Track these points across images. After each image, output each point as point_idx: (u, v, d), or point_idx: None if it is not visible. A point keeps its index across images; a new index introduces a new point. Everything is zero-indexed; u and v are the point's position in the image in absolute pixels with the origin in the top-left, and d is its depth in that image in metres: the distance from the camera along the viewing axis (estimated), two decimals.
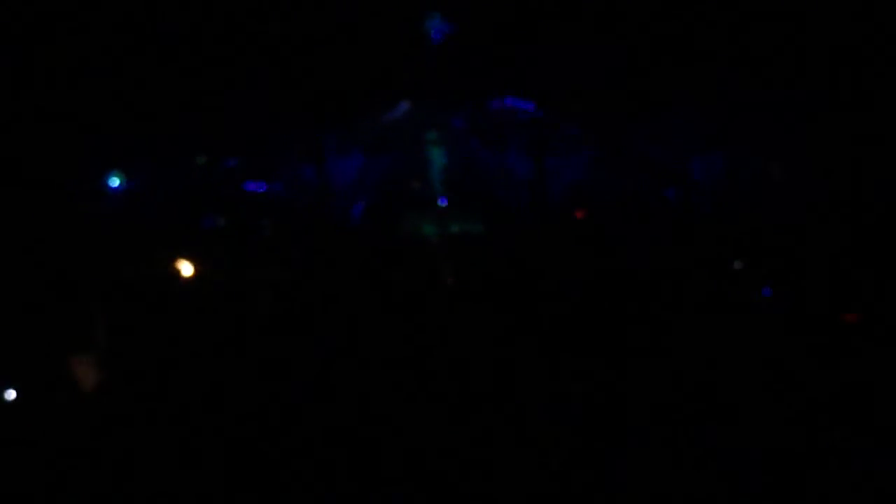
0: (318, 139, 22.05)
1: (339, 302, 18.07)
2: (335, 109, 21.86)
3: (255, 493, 12.16)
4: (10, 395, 14.47)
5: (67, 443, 13.26)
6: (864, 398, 13.49)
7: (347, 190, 21.74)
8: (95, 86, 20.77)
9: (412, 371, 15.38)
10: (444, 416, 13.94)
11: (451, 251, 20.14)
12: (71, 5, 20.00)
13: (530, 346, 16.28)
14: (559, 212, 20.92)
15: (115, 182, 20.98)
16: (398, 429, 13.43)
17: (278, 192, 21.61)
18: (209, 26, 21.66)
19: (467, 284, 19.11)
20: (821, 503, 11.10)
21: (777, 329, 16.80)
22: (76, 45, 20.78)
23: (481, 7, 21.98)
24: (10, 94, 19.99)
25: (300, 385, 15.01)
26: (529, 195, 21.58)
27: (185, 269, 18.42)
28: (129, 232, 19.51)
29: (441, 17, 22.03)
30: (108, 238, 19.14)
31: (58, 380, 15.36)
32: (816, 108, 19.92)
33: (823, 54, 19.61)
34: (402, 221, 21.10)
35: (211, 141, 21.96)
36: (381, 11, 22.19)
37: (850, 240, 18.07)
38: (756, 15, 20.24)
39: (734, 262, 18.55)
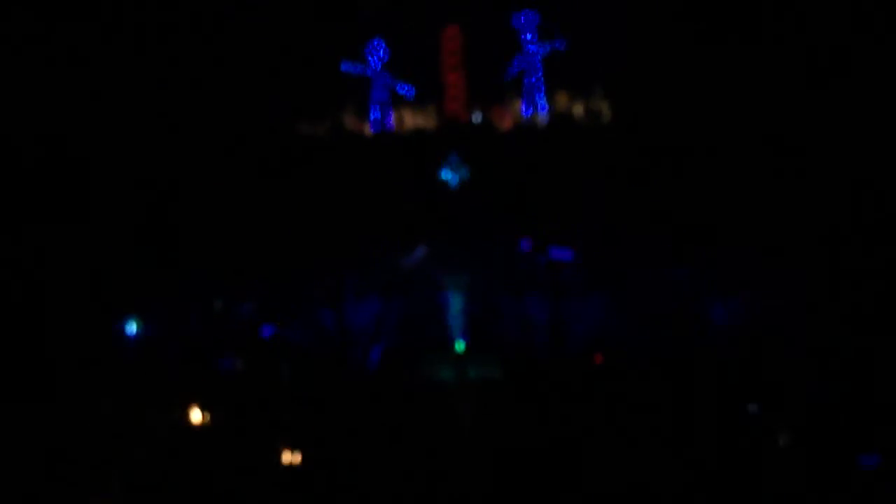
0: (337, 283, 22.06)
1: (357, 446, 17.94)
2: (353, 253, 21.94)
3: None
4: None
5: None
6: None
7: (365, 334, 21.69)
8: (114, 228, 20.97)
9: None
10: None
11: (469, 395, 19.97)
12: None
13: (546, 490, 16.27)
14: (577, 356, 20.79)
15: (132, 328, 21.00)
16: None
17: (295, 335, 21.54)
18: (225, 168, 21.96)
19: (485, 429, 18.96)
20: None
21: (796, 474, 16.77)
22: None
23: (500, 153, 22.23)
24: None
25: None
26: (548, 340, 21.51)
27: (197, 415, 18.34)
28: (147, 376, 19.44)
29: (459, 163, 22.20)
30: (125, 382, 19.10)
31: None
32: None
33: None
34: (419, 365, 20.97)
35: (228, 285, 22.02)
36: (399, 155, 22.48)
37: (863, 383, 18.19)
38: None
39: (749, 405, 18.43)
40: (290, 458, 17.71)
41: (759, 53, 22.41)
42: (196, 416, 18.44)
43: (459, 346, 21.30)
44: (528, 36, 24.06)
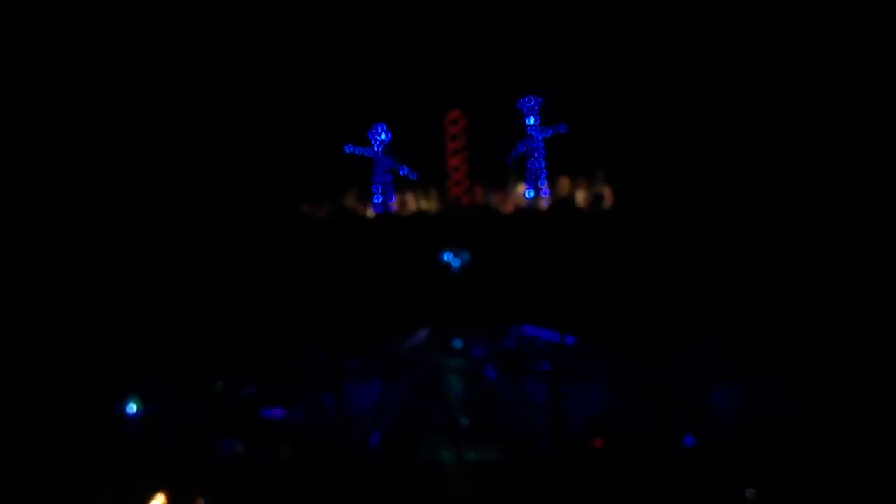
0: (337, 365, 22.12)
1: None
2: (354, 335, 22.01)
3: None
4: None
5: None
6: None
7: (365, 416, 21.69)
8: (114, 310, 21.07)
9: None
10: None
11: (470, 478, 19.88)
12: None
13: None
14: (577, 440, 20.74)
15: (132, 408, 21.02)
16: None
17: (296, 417, 21.54)
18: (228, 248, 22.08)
19: None
20: None
21: None
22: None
23: (502, 236, 22.37)
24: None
25: None
26: (547, 423, 21.50)
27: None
28: (146, 457, 19.40)
29: (461, 247, 22.33)
30: (126, 461, 19.05)
31: None
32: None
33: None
34: (419, 448, 20.92)
35: (229, 367, 22.08)
36: (400, 238, 22.62)
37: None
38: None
39: (747, 490, 18.36)
40: None
41: (762, 138, 22.67)
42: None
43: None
44: (532, 120, 24.35)
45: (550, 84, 24.31)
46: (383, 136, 24.44)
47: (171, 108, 23.17)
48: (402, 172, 24.70)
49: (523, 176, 24.76)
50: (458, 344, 21.49)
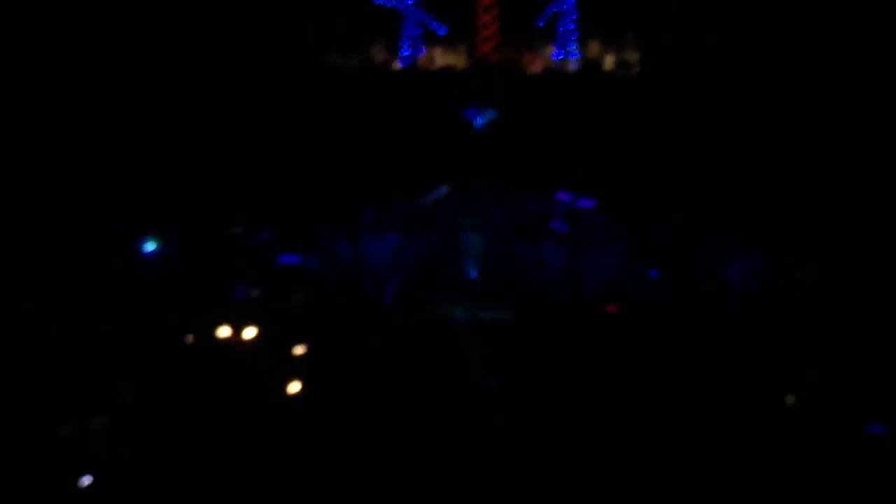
0: (356, 216, 22.17)
1: (366, 381, 18.02)
2: (374, 188, 22.01)
3: None
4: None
5: None
6: None
7: (380, 269, 21.80)
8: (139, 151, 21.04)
9: (435, 458, 15.51)
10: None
11: (482, 336, 20.04)
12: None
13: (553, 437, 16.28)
14: (591, 305, 20.83)
15: (151, 246, 21.14)
16: None
17: (312, 265, 21.62)
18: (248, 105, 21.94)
19: (494, 371, 19.02)
20: None
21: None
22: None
23: (528, 97, 22.14)
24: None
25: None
26: (562, 286, 21.57)
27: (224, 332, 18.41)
28: (163, 295, 19.54)
29: (487, 105, 22.13)
30: (141, 301, 19.20)
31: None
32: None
33: None
34: (433, 303, 21.05)
35: (249, 211, 22.12)
36: (427, 93, 22.40)
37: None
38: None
39: (787, 397, 18.07)
40: (294, 388, 17.76)
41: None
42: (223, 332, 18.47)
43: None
44: None
45: None
46: None
47: None
48: (431, 26, 24.35)
49: (553, 37, 24.42)
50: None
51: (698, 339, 18.82)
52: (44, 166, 20.63)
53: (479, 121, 22.96)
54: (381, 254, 22.07)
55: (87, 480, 14.57)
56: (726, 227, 21.52)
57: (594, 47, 24.02)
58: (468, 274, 21.51)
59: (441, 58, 24.27)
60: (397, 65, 24.36)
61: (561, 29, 24.24)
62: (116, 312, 18.28)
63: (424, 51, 24.26)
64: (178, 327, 18.35)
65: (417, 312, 20.82)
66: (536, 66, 24.05)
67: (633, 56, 23.58)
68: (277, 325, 19.11)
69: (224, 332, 18.07)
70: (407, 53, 24.31)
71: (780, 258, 20.83)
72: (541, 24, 24.38)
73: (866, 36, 21.29)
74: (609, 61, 23.86)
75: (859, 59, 21.38)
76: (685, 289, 20.96)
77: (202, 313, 18.78)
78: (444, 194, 22.50)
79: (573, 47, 24.05)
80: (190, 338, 17.98)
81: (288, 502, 14.44)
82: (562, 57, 24.02)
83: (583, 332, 19.36)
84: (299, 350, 18.26)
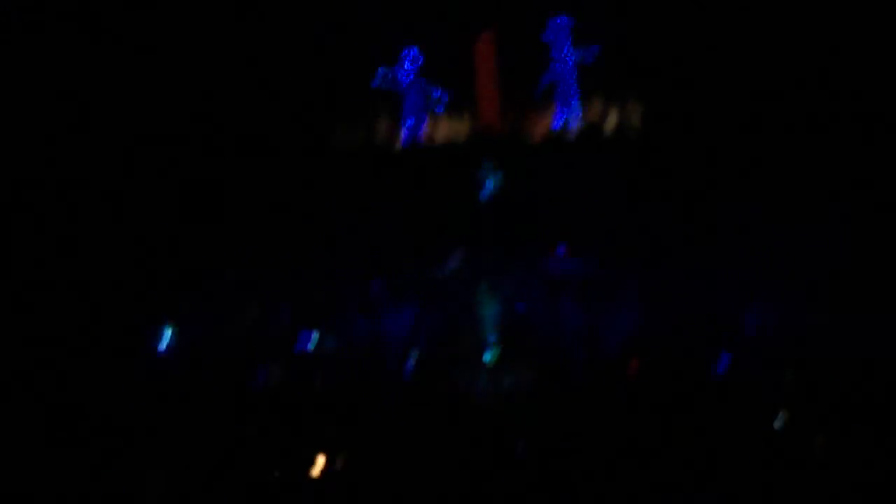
0: (371, 290, 22.16)
1: (393, 459, 17.89)
2: (388, 261, 22.03)
3: None
4: None
5: None
6: None
7: (398, 342, 21.72)
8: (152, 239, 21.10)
9: None
10: None
11: (504, 406, 19.90)
12: None
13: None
14: (612, 364, 20.69)
15: (167, 334, 21.13)
16: None
17: (329, 343, 21.57)
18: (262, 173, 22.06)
19: (520, 441, 18.84)
20: None
21: None
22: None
23: (532, 162, 22.25)
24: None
25: None
26: (582, 348, 21.46)
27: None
28: (185, 382, 19.49)
29: (492, 172, 22.24)
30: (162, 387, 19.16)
31: None
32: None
33: None
34: (452, 374, 20.93)
35: (265, 291, 22.13)
36: (432, 162, 22.52)
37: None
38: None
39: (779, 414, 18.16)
40: (320, 464, 17.66)
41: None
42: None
43: (489, 355, 21.31)
44: (562, 42, 24.07)
45: (584, 3, 24.05)
46: (413, 62, 24.28)
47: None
48: (433, 97, 24.54)
49: (554, 100, 24.58)
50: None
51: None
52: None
53: (486, 187, 23.05)
54: (397, 327, 22.00)
55: None
56: (739, 277, 21.44)
57: (596, 108, 24.13)
58: (485, 341, 21.40)
59: (443, 127, 24.41)
60: (401, 136, 24.52)
61: (562, 91, 24.38)
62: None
63: (427, 121, 24.39)
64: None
65: (437, 385, 20.68)
66: (540, 130, 24.16)
67: (636, 116, 23.69)
68: (300, 408, 19.06)
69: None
70: (410, 125, 24.46)
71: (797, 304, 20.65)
72: (543, 87, 24.54)
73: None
74: (612, 122, 23.97)
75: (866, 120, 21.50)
76: (703, 340, 20.81)
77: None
78: (457, 262, 22.50)
79: (575, 109, 24.18)
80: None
81: None
82: (564, 119, 24.15)
83: (603, 395, 19.28)
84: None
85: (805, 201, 21.57)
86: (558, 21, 23.85)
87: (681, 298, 21.61)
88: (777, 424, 17.63)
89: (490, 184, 23.04)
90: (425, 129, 24.10)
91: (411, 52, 24.13)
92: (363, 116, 24.05)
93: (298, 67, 23.46)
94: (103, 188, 21.88)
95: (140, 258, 21.53)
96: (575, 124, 23.68)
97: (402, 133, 24.19)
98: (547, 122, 24.23)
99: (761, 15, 22.46)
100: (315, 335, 21.12)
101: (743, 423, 18.01)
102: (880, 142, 21.25)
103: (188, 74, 22.76)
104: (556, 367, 21.03)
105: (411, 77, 24.11)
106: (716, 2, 22.83)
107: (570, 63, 24.14)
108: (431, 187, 22.95)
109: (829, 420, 17.62)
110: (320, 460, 17.59)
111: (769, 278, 21.37)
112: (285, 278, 22.03)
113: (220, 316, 21.60)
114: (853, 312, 19.94)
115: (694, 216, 21.75)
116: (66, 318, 20.17)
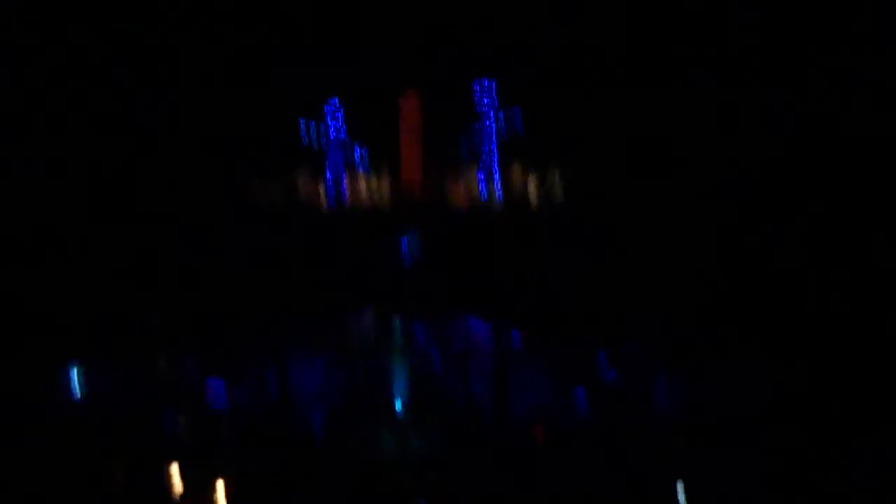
0: (282, 344, 22.11)
1: None
2: (300, 317, 22.00)
3: None
4: None
5: None
6: None
7: (307, 396, 21.68)
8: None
9: None
10: None
11: (411, 464, 19.97)
12: None
13: None
14: (519, 429, 20.90)
15: (74, 380, 20.81)
16: None
17: (239, 394, 21.44)
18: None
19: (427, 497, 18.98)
20: None
21: None
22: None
23: (450, 225, 22.43)
24: None
25: None
26: (490, 411, 21.64)
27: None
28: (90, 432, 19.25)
29: (414, 233, 22.38)
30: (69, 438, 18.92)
31: None
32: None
33: None
34: (362, 431, 20.95)
35: (172, 339, 21.95)
36: (351, 223, 22.60)
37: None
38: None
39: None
40: None
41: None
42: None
43: (398, 414, 21.39)
44: (486, 106, 24.28)
45: (507, 66, 24.26)
46: (336, 120, 24.31)
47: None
48: (354, 159, 24.60)
49: (477, 162, 24.75)
50: (401, 326, 21.64)
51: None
52: None
53: (404, 246, 23.17)
54: (308, 381, 21.96)
55: None
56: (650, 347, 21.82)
57: (517, 174, 24.38)
58: (396, 401, 21.48)
59: (366, 185, 24.46)
60: (322, 194, 24.49)
61: (485, 155, 24.58)
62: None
63: (346, 178, 24.41)
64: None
65: (346, 443, 20.69)
66: (461, 192, 24.32)
67: (557, 184, 23.99)
68: (205, 460, 18.92)
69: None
70: (330, 186, 24.46)
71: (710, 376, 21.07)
72: (465, 152, 24.72)
73: None
74: (533, 188, 24.22)
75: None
76: (611, 411, 21.13)
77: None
78: (370, 319, 22.56)
79: (496, 174, 24.41)
80: None
81: None
82: (485, 183, 24.35)
83: (511, 458, 19.48)
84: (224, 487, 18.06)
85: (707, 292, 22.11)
86: (483, 83, 24.02)
87: (589, 370, 21.91)
88: (679, 496, 18.02)
89: (409, 242, 23.16)
90: (347, 186, 24.11)
91: (334, 108, 24.13)
92: (284, 172, 23.96)
93: (220, 120, 23.33)
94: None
95: (50, 303, 21.19)
96: (496, 187, 23.89)
97: (324, 190, 24.17)
98: (468, 184, 24.40)
99: (674, 91, 23.04)
100: (223, 387, 20.93)
101: (645, 493, 18.38)
102: None
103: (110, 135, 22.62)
104: (464, 430, 21.18)
105: (333, 134, 24.12)
106: (635, 71, 23.28)
107: (494, 125, 24.34)
108: (350, 243, 22.96)
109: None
110: None
111: (674, 355, 21.79)
112: (197, 329, 21.82)
113: (129, 364, 21.31)
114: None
115: (606, 289, 22.10)
116: None
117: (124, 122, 23.07)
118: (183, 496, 18.00)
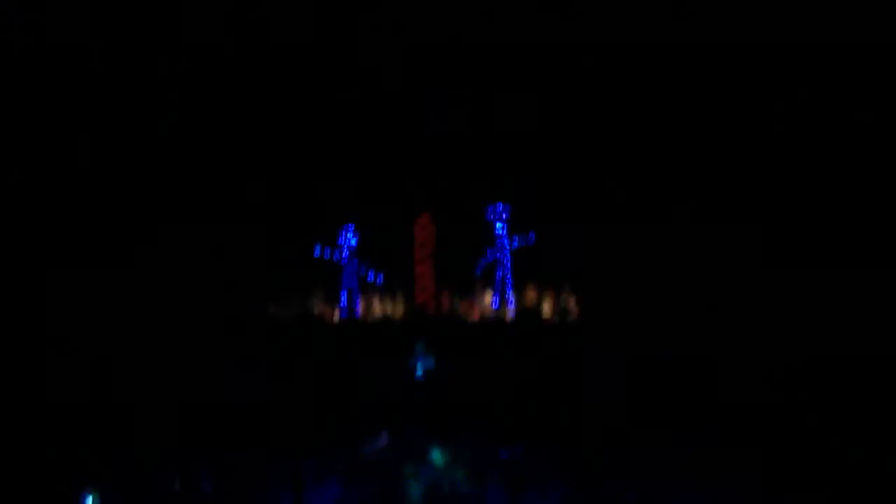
0: (297, 465, 21.96)
1: None
2: (315, 438, 21.92)
3: None
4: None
5: None
6: None
7: None
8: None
9: None
10: None
11: None
12: None
13: None
14: None
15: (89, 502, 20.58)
16: None
17: None
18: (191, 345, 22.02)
19: None
20: None
21: None
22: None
23: (465, 346, 22.57)
24: None
25: None
26: None
27: None
28: None
29: (427, 353, 22.46)
30: None
31: None
32: None
33: None
34: None
35: (187, 462, 21.83)
36: (365, 343, 22.74)
37: None
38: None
39: None
40: None
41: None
42: None
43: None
44: (500, 229, 24.69)
45: (521, 193, 24.77)
46: (352, 239, 24.68)
47: None
48: (368, 278, 24.88)
49: (491, 284, 25.04)
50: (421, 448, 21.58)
51: None
52: None
53: (419, 369, 23.24)
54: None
55: None
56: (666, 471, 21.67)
57: (531, 294, 24.64)
58: None
59: (379, 307, 24.71)
60: (336, 315, 24.71)
61: (498, 277, 24.89)
62: None
63: (361, 301, 24.67)
64: None
65: None
66: (474, 315, 24.55)
67: (571, 303, 24.23)
68: None
69: None
70: (344, 304, 24.70)
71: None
72: (478, 273, 25.04)
73: None
74: (547, 308, 24.46)
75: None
76: None
77: None
78: (385, 443, 22.44)
79: (509, 294, 24.66)
80: None
81: None
82: (499, 304, 24.59)
83: None
84: None
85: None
86: (497, 207, 24.48)
87: (603, 484, 21.74)
88: None
89: (423, 365, 23.24)
90: (361, 304, 24.36)
91: (349, 230, 24.55)
92: (300, 288, 24.27)
93: (236, 239, 23.73)
94: None
95: (67, 425, 21.16)
96: (510, 310, 24.11)
97: (338, 307, 24.42)
98: (482, 305, 24.65)
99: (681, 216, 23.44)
100: None
101: None
102: None
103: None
104: None
105: (348, 253, 24.49)
106: (644, 198, 23.71)
107: (507, 248, 24.69)
108: (363, 365, 23.06)
109: None
110: None
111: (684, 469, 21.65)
112: (212, 453, 21.73)
113: (144, 489, 21.16)
114: None
115: (618, 404, 22.09)
116: None
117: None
118: None
